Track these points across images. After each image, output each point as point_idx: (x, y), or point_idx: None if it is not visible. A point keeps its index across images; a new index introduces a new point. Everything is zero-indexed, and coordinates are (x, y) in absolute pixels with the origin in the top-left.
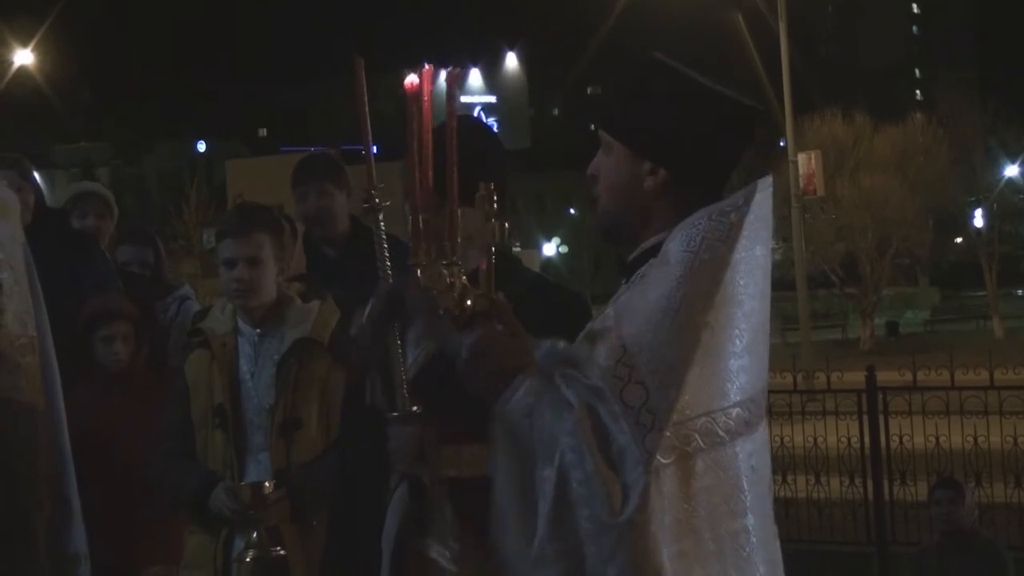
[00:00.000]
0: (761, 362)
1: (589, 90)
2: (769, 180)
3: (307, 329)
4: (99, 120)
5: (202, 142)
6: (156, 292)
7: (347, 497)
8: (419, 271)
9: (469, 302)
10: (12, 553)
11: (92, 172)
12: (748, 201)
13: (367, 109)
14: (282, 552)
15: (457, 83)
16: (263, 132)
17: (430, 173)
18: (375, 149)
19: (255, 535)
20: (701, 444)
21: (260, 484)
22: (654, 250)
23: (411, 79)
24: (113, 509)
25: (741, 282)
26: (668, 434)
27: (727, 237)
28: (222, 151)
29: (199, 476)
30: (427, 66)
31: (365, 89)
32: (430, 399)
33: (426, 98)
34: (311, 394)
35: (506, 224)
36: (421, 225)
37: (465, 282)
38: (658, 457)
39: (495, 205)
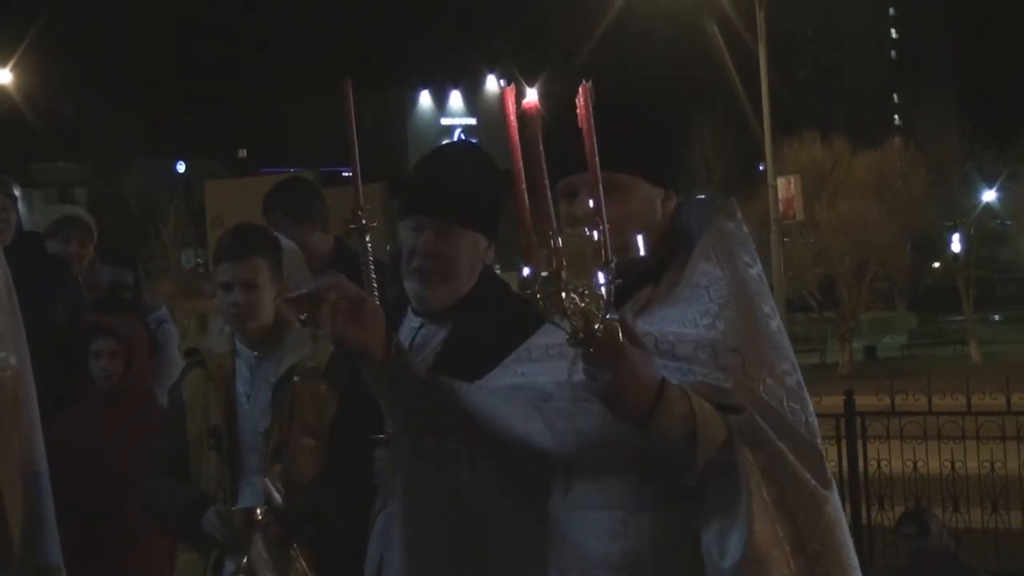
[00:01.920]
0: None
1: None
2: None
3: (304, 353)
4: (78, 139)
5: (181, 162)
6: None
7: (336, 523)
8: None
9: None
10: None
11: (70, 192)
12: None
13: (355, 132)
14: None
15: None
16: (243, 153)
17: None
18: None
19: (246, 559)
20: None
21: (252, 509)
22: (651, 273)
23: (530, 99)
24: (98, 526)
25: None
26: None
27: (740, 245)
28: (202, 171)
29: (191, 497)
30: (509, 86)
31: (353, 112)
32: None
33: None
34: (307, 418)
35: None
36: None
37: (587, 306)
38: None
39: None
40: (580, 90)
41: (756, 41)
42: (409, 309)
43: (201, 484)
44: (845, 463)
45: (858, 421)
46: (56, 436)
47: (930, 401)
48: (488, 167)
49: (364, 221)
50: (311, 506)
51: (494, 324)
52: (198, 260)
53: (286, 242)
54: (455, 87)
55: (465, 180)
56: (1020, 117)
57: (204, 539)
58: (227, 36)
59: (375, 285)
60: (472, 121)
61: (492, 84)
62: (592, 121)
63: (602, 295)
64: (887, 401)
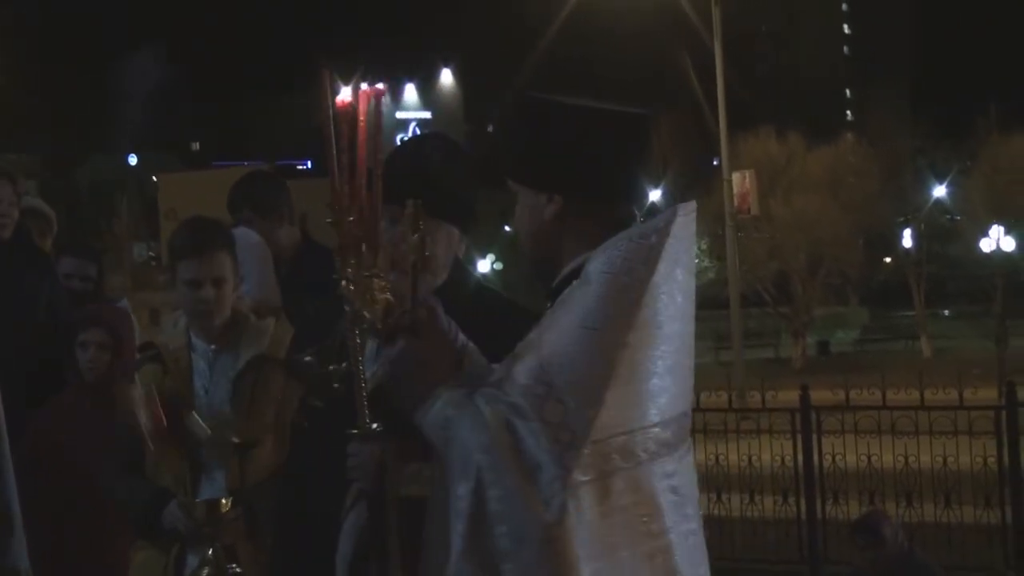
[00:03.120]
0: (684, 384)
1: (490, 127)
2: (692, 205)
3: (263, 346)
4: (27, 132)
5: (134, 155)
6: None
7: (298, 515)
8: (347, 285)
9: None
10: None
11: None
12: (669, 224)
13: (332, 123)
14: (238, 570)
15: (380, 99)
16: (196, 146)
17: (364, 189)
18: (308, 164)
19: (210, 553)
20: (620, 463)
21: (216, 501)
22: (575, 273)
23: (343, 97)
24: (82, 519)
25: (661, 304)
26: (586, 452)
27: (647, 259)
28: (154, 164)
29: (151, 491)
30: (364, 86)
31: (331, 102)
32: (391, 416)
33: (362, 117)
34: (267, 411)
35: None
36: (345, 239)
37: (389, 297)
38: (576, 475)
39: (420, 223)
40: (360, 95)
41: (712, 38)
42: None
43: (160, 479)
44: (800, 457)
45: (814, 416)
46: (39, 429)
47: (884, 396)
48: (462, 159)
49: None
50: (271, 499)
51: (467, 316)
52: (150, 253)
53: (254, 236)
54: (409, 81)
55: (440, 171)
56: (971, 113)
57: (164, 534)
58: (180, 29)
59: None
60: (427, 115)
61: (447, 77)
62: (376, 123)
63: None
64: (842, 396)
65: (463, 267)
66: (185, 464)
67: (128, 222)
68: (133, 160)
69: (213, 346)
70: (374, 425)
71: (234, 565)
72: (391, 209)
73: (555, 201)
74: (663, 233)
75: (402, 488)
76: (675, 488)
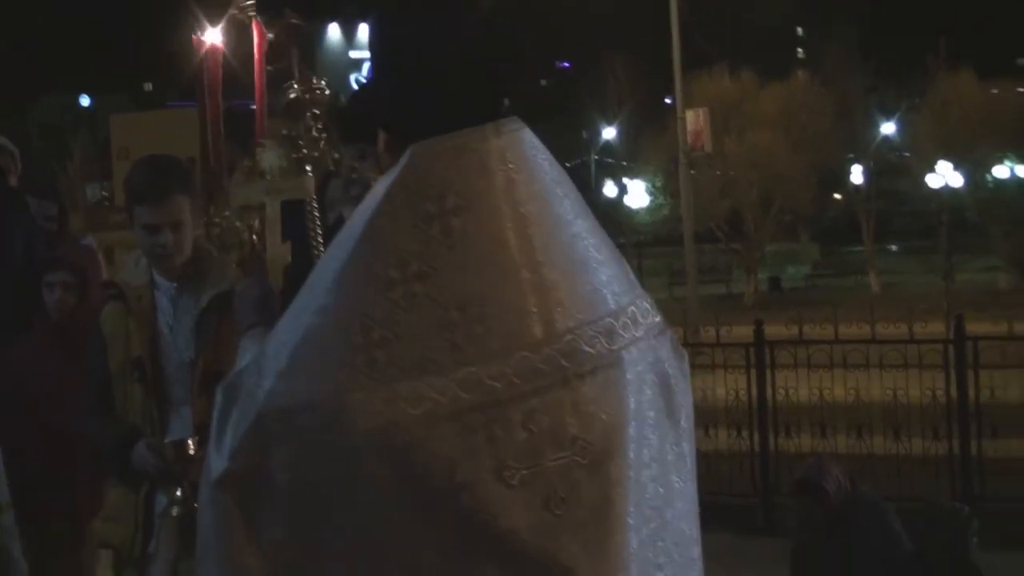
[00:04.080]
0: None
1: None
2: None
3: (226, 283)
4: None
5: (86, 96)
6: (64, 244)
7: None
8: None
9: None
10: None
11: None
12: (398, 167)
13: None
14: None
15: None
16: (148, 87)
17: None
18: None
19: (179, 491)
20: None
21: (183, 441)
22: None
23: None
24: (42, 457)
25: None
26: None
27: (368, 204)
28: (107, 106)
29: (120, 430)
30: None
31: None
32: None
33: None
34: (232, 347)
35: None
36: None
37: (252, 237)
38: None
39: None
40: (254, 25)
41: None
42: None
43: (128, 417)
44: (754, 391)
45: (767, 350)
46: (9, 365)
47: (836, 330)
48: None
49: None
50: None
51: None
52: (104, 193)
53: None
54: (363, 20)
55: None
56: (922, 50)
57: (134, 474)
58: None
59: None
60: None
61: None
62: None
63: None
64: (795, 330)
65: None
66: (152, 403)
67: (81, 163)
68: (85, 101)
69: (175, 284)
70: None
71: None
72: (359, 146)
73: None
74: (389, 176)
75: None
76: None
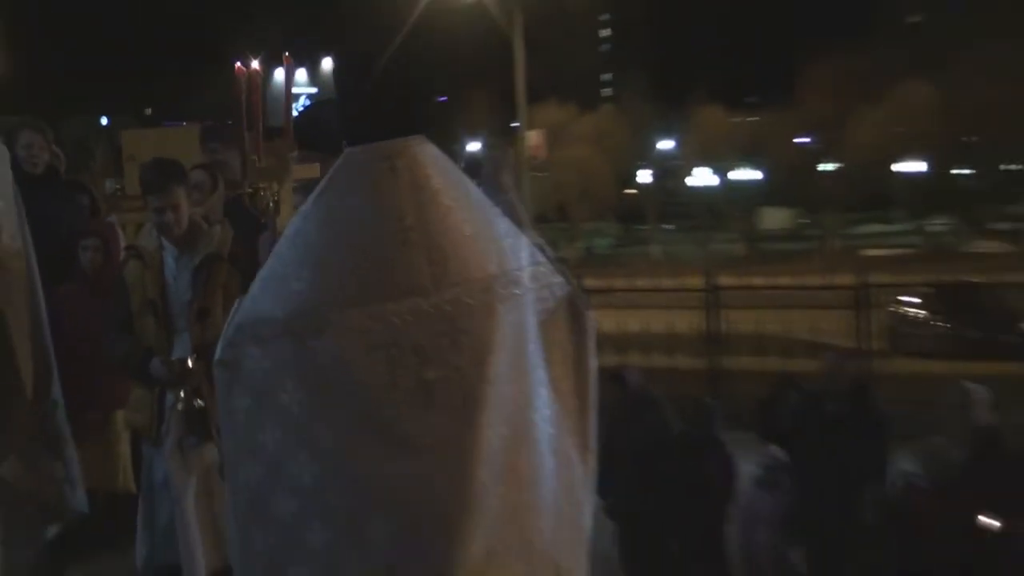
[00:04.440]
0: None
1: None
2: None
3: (213, 247)
4: (13, 95)
5: (105, 117)
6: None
7: None
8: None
9: None
10: (8, 401)
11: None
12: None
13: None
14: (201, 403)
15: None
16: (148, 111)
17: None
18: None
19: (182, 393)
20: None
21: (184, 359)
22: None
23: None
24: (81, 369)
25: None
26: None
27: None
28: (119, 124)
29: (140, 349)
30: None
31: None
32: None
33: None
34: (216, 291)
35: None
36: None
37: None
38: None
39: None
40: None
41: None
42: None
43: (144, 341)
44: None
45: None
46: (56, 303)
47: (632, 283)
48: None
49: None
50: None
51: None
52: (117, 186)
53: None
54: (300, 65)
55: (329, 122)
56: (686, 90)
57: (151, 380)
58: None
59: None
60: (314, 90)
61: (328, 63)
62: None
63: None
64: (603, 283)
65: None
66: (162, 331)
67: (102, 164)
68: (105, 121)
69: (177, 248)
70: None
71: (199, 400)
72: (302, 153)
73: (325, 160)
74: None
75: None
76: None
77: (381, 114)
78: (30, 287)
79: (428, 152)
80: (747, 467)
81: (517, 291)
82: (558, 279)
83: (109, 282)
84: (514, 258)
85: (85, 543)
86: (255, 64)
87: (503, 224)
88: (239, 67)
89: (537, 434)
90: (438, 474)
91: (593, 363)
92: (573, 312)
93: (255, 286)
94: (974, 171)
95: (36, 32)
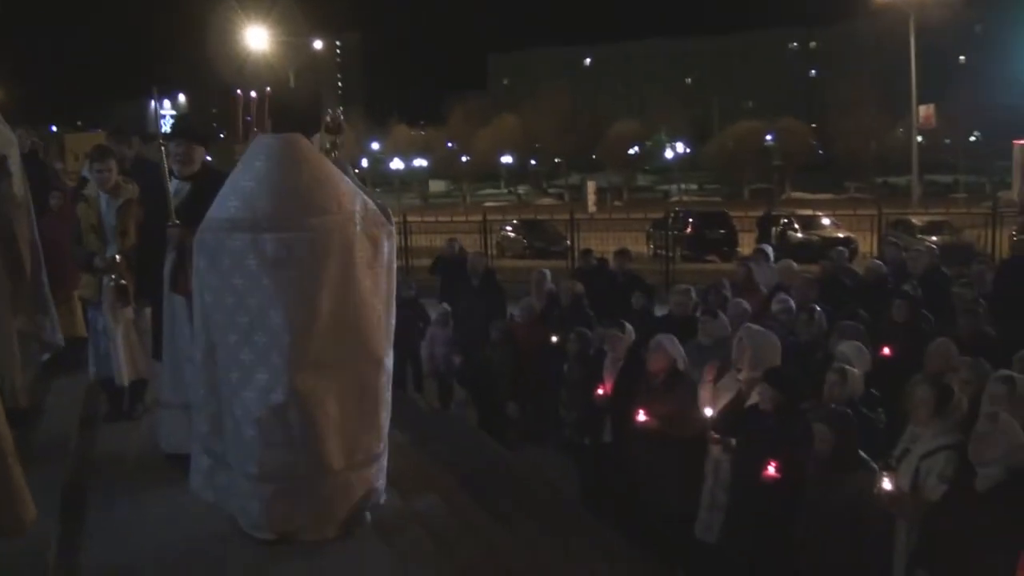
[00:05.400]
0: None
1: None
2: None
3: (129, 194)
4: None
5: (54, 126)
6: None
7: (147, 255)
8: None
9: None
10: (19, 282)
11: None
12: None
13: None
14: (124, 282)
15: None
16: (79, 122)
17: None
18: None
19: (113, 276)
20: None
21: (114, 256)
22: None
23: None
24: (54, 264)
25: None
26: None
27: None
28: (62, 130)
29: (89, 252)
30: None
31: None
32: (188, 218)
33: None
34: (130, 220)
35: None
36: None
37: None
38: None
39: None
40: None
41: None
42: (174, 176)
43: (89, 248)
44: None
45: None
46: (40, 227)
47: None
48: (200, 122)
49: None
50: (135, 255)
51: (211, 186)
52: (62, 166)
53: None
54: (163, 98)
55: (193, 125)
56: (387, 113)
57: (94, 270)
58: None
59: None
60: (173, 112)
61: (182, 98)
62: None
63: None
64: None
65: (210, 164)
66: (100, 242)
67: (52, 155)
68: (54, 128)
69: (108, 195)
70: (177, 221)
71: (122, 280)
72: (177, 140)
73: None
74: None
75: (190, 244)
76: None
77: (280, 123)
78: (30, 218)
79: (303, 140)
80: None
81: (356, 221)
82: (380, 218)
83: (68, 215)
84: (357, 201)
85: (61, 364)
86: (252, 93)
87: (349, 183)
88: (239, 93)
89: (357, 295)
90: (292, 291)
91: (393, 265)
92: (388, 237)
93: (214, 202)
94: (537, 160)
95: None
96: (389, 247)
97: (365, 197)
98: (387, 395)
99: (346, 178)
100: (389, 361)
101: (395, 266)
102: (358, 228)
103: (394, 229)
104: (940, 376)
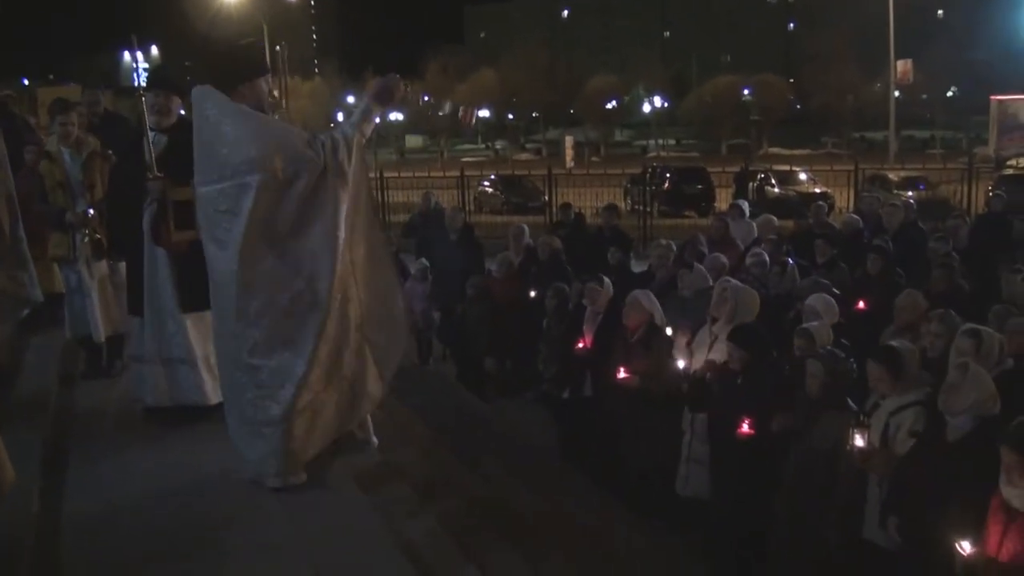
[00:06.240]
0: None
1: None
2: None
3: (92, 148)
4: None
5: (24, 79)
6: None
7: (120, 209)
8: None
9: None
10: None
11: None
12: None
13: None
14: (98, 236)
15: None
16: (51, 76)
17: None
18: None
19: (86, 231)
20: None
21: (85, 211)
22: None
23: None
24: (29, 220)
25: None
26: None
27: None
28: (34, 84)
29: (58, 209)
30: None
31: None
32: (173, 172)
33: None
34: (96, 173)
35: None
36: None
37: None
38: None
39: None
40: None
41: None
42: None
43: (59, 204)
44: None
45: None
46: (16, 182)
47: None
48: (173, 75)
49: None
50: (105, 208)
51: (188, 138)
52: (33, 119)
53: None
54: (139, 50)
55: (171, 77)
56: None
57: (66, 226)
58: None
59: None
60: (146, 65)
61: (155, 51)
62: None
63: None
64: None
65: (184, 117)
66: (68, 198)
67: (25, 106)
68: (26, 82)
69: (70, 150)
70: (160, 174)
71: (96, 235)
72: (155, 90)
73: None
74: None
75: (172, 197)
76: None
77: (217, 77)
78: (5, 172)
79: (208, 97)
80: None
81: (304, 161)
82: (321, 156)
83: (36, 172)
84: (301, 143)
85: (39, 322)
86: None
87: (295, 130)
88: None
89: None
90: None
91: (344, 199)
92: (336, 172)
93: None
94: (514, 115)
95: None
96: (306, 181)
97: (286, 139)
98: (330, 331)
99: (254, 124)
100: (344, 300)
101: (336, 196)
102: (308, 170)
103: (325, 159)
104: (904, 330)
